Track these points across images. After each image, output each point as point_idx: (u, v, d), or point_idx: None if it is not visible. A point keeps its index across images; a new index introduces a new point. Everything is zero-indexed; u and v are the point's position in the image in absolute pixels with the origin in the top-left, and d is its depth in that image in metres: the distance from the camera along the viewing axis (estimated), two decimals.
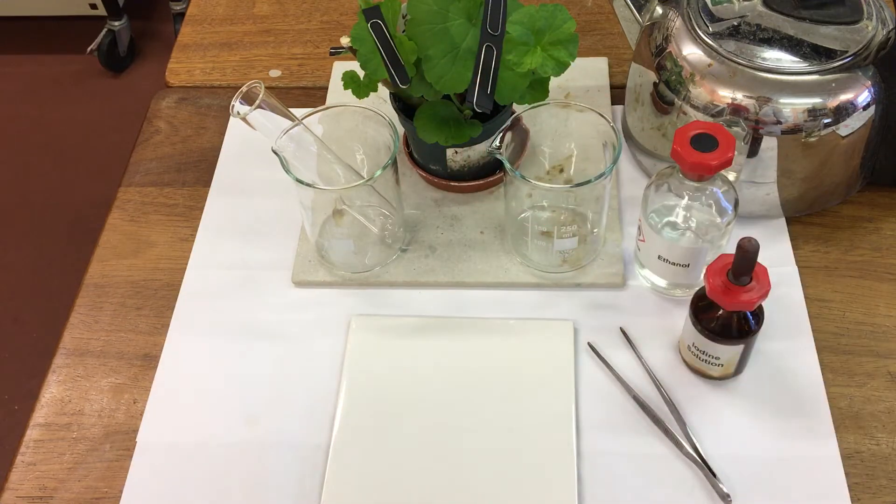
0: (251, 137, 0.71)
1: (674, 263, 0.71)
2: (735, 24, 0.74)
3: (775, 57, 0.71)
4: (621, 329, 0.74)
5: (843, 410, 0.69)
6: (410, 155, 0.83)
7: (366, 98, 0.74)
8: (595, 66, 0.93)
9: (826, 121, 0.71)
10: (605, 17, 1.01)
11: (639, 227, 0.73)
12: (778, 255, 0.77)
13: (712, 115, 0.72)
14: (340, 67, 0.96)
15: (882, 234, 0.79)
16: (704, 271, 0.64)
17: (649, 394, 0.70)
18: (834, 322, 0.74)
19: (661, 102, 0.77)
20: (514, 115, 0.71)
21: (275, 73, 0.98)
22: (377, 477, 0.66)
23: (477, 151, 0.78)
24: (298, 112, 0.72)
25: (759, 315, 0.65)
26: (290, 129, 0.69)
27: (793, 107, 0.70)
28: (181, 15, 2.13)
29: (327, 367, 0.73)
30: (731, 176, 0.76)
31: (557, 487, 0.65)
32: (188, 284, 0.79)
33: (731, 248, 0.62)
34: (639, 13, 0.83)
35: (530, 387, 0.70)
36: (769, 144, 0.72)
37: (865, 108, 0.71)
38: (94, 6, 2.13)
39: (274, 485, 0.67)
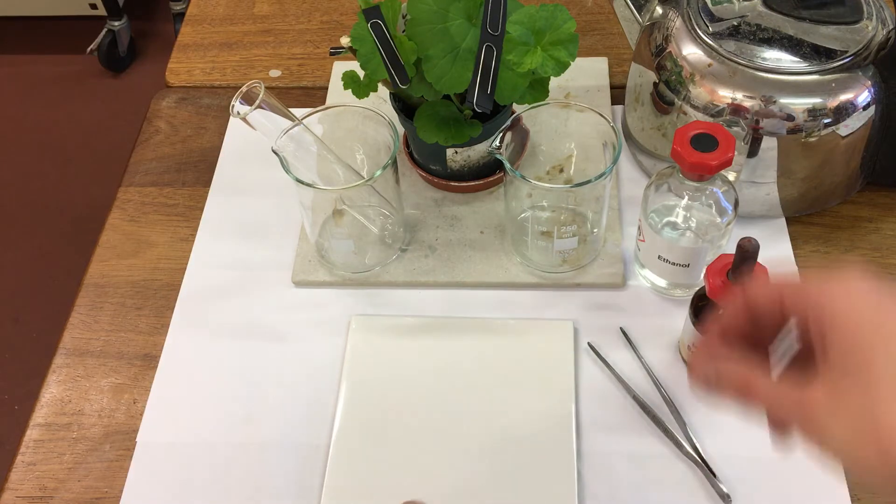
0: (251, 137, 0.71)
1: (674, 263, 0.71)
2: (735, 24, 0.74)
3: (775, 57, 0.71)
4: (621, 329, 0.74)
5: None
6: (410, 155, 0.83)
7: (366, 98, 0.74)
8: (595, 66, 0.93)
9: (826, 121, 0.71)
10: (605, 17, 1.01)
11: (639, 227, 0.73)
12: (778, 255, 0.77)
13: (712, 115, 0.72)
14: (340, 67, 0.96)
15: (882, 234, 0.79)
16: (704, 271, 0.64)
17: (649, 394, 0.70)
18: None
19: (661, 102, 0.77)
20: (514, 115, 0.71)
21: (275, 73, 0.98)
22: (377, 477, 0.66)
23: (477, 151, 0.78)
24: (298, 112, 0.72)
25: None
26: (290, 129, 0.69)
27: (793, 107, 0.70)
28: (181, 15, 2.13)
29: (327, 367, 0.73)
30: (731, 176, 0.76)
31: (557, 487, 0.65)
32: (188, 284, 0.79)
33: (731, 248, 0.62)
34: (639, 13, 0.83)
35: (530, 387, 0.70)
36: (769, 144, 0.72)
37: (865, 108, 0.71)
38: (94, 6, 2.13)
39: (274, 485, 0.67)
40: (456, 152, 0.78)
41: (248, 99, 0.67)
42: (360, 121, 0.75)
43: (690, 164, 0.64)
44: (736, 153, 0.66)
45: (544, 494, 0.65)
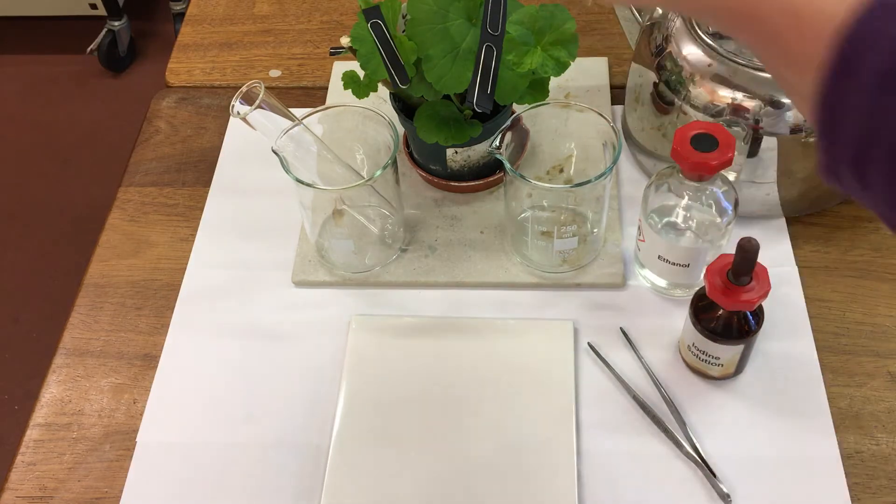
0: (251, 137, 0.71)
1: (674, 263, 0.71)
2: None
3: None
4: (621, 329, 0.74)
5: (843, 410, 0.69)
6: (410, 155, 0.83)
7: (366, 98, 0.74)
8: (595, 66, 0.93)
9: None
10: (605, 17, 1.01)
11: (639, 227, 0.73)
12: (778, 255, 0.77)
13: (712, 115, 0.72)
14: (340, 67, 0.96)
15: (882, 234, 0.79)
16: (704, 271, 0.64)
17: (649, 394, 0.70)
18: (834, 322, 0.74)
19: (661, 102, 0.77)
20: (514, 115, 0.71)
21: (275, 73, 0.98)
22: (377, 477, 0.66)
23: (477, 151, 0.78)
24: (298, 112, 0.72)
25: (759, 315, 0.65)
26: (290, 129, 0.69)
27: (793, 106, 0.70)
28: (181, 15, 2.13)
29: (327, 367, 0.73)
30: (731, 176, 0.76)
31: (557, 487, 0.65)
32: (188, 284, 0.79)
33: (731, 248, 0.62)
34: (639, 13, 0.83)
35: (530, 387, 0.70)
36: (769, 144, 0.72)
37: None
38: (94, 6, 2.13)
39: (274, 485, 0.67)
40: (456, 152, 0.78)
41: (248, 99, 0.67)
42: (360, 121, 0.75)
43: (690, 164, 0.64)
44: (736, 153, 0.66)
45: (544, 494, 0.65)
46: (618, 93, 0.90)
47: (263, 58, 1.00)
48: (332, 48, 0.84)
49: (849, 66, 0.30)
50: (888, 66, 0.28)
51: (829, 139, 0.32)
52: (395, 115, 0.77)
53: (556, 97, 0.85)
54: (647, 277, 0.76)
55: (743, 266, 0.60)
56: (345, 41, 0.73)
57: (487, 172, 0.81)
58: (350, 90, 0.74)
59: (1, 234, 1.89)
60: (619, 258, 0.77)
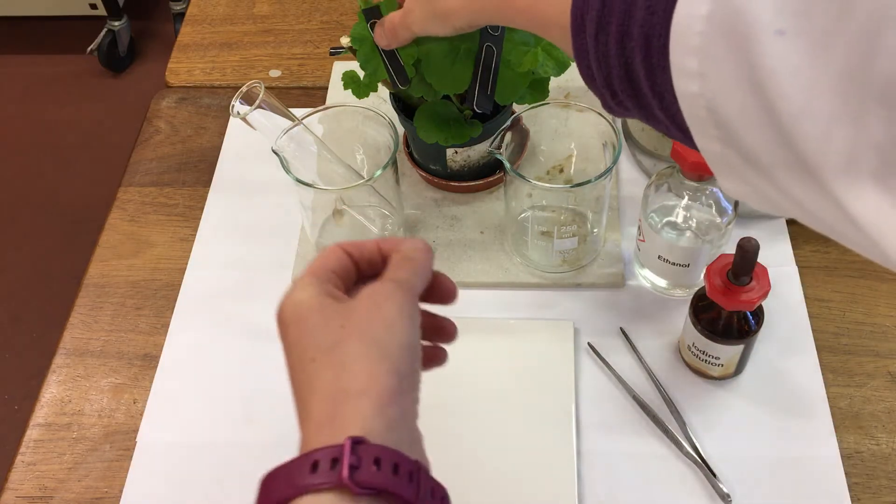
0: (251, 137, 0.71)
1: (674, 263, 0.71)
2: None
3: None
4: (621, 329, 0.74)
5: (843, 410, 0.69)
6: (410, 155, 0.83)
7: (366, 98, 0.74)
8: None
9: None
10: None
11: (639, 227, 0.73)
12: (778, 255, 0.77)
13: None
14: (340, 67, 0.96)
15: None
16: (704, 271, 0.64)
17: (649, 394, 0.70)
18: (834, 322, 0.74)
19: None
20: (514, 115, 0.71)
21: (275, 73, 0.98)
22: None
23: (477, 151, 0.78)
24: (298, 112, 0.72)
25: (759, 315, 0.65)
26: (290, 129, 0.69)
27: None
28: (181, 15, 2.13)
29: None
30: None
31: (557, 487, 0.65)
32: (188, 284, 0.79)
33: (731, 248, 0.62)
34: None
35: (530, 387, 0.70)
36: None
37: None
38: (94, 6, 2.13)
39: None
40: (456, 152, 0.78)
41: (248, 99, 0.67)
42: (360, 121, 0.75)
43: (690, 164, 0.64)
44: None
45: (544, 494, 0.65)
46: None
47: (263, 58, 1.00)
48: (332, 48, 0.85)
49: (581, 22, 0.41)
50: (597, 12, 0.40)
51: (588, 75, 0.42)
52: (395, 115, 0.77)
53: (556, 97, 0.85)
54: (647, 277, 0.76)
55: (743, 266, 0.60)
56: (345, 41, 0.73)
57: (487, 172, 0.81)
58: (350, 90, 0.74)
59: (1, 234, 1.89)
60: (619, 258, 0.77)
